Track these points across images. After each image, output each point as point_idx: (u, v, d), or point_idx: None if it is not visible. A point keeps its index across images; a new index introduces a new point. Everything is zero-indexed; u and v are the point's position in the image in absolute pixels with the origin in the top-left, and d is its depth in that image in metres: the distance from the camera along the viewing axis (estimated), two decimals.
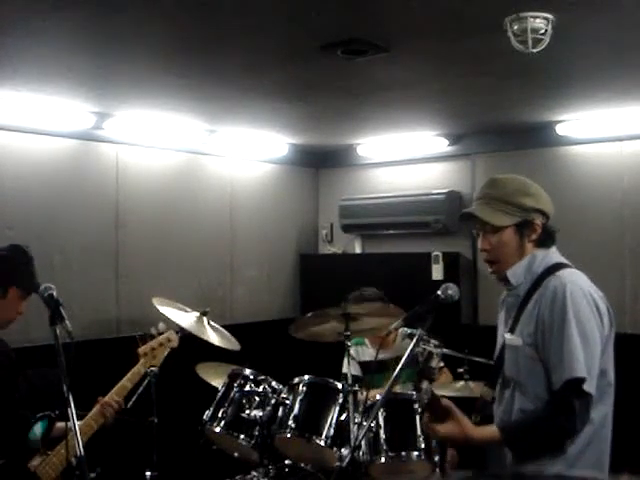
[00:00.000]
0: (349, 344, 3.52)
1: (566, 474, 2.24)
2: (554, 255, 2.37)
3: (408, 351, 2.50)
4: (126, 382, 3.30)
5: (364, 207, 6.02)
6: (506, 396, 2.40)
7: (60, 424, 3.09)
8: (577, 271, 2.32)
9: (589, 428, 2.22)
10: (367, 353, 4.29)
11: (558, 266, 2.31)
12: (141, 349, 3.41)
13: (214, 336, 4.06)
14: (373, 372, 3.58)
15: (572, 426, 2.16)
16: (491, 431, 2.26)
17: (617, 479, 2.28)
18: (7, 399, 3.04)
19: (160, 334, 3.46)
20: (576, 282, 2.25)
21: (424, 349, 2.34)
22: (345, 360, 3.57)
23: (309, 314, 3.59)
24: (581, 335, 2.18)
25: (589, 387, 2.15)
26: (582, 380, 2.14)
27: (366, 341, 4.33)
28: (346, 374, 3.48)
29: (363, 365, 4.22)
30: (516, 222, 2.31)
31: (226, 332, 4.17)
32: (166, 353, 3.48)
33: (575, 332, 2.17)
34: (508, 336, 2.37)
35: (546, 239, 2.35)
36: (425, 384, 2.31)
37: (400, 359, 2.43)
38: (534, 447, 2.23)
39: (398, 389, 3.64)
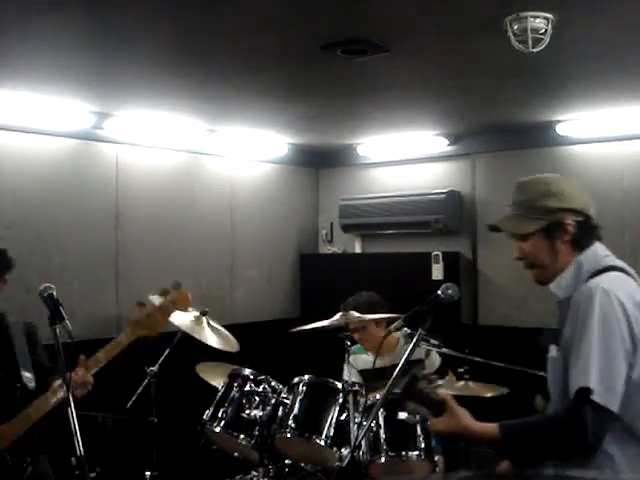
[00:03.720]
0: (349, 343, 3.52)
1: (567, 475, 2.22)
2: (600, 258, 2.19)
3: (408, 351, 2.50)
4: (102, 354, 2.95)
5: (364, 207, 6.02)
6: (547, 409, 2.28)
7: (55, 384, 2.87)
8: (621, 275, 2.14)
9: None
10: (366, 361, 4.22)
11: (602, 271, 2.14)
12: (134, 317, 3.06)
13: (212, 337, 4.05)
14: (372, 380, 3.56)
15: (583, 438, 1.99)
16: (491, 427, 2.11)
17: (618, 478, 2.26)
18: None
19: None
20: (610, 287, 2.06)
21: (411, 373, 2.27)
22: (345, 367, 3.57)
23: (308, 327, 3.61)
24: (601, 344, 2.01)
25: (601, 399, 1.97)
26: (590, 390, 1.98)
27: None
28: (345, 380, 3.48)
29: (363, 373, 4.17)
30: (542, 226, 2.16)
31: (226, 332, 4.17)
32: (164, 323, 3.08)
33: (595, 340, 2.02)
34: (551, 348, 2.27)
35: (583, 238, 2.16)
36: (410, 405, 2.24)
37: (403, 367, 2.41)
38: (534, 452, 2.09)
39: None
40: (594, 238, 2.20)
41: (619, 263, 2.19)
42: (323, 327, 3.60)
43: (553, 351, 2.24)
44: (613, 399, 1.99)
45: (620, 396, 2.00)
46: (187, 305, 3.17)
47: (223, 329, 4.19)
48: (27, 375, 2.96)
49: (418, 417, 2.22)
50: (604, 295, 2.04)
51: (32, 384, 2.96)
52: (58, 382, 2.80)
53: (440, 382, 2.31)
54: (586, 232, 2.17)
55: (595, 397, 1.97)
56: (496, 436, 2.09)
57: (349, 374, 3.53)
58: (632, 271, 2.19)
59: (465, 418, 2.15)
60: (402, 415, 2.23)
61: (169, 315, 3.10)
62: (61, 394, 2.78)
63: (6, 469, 2.80)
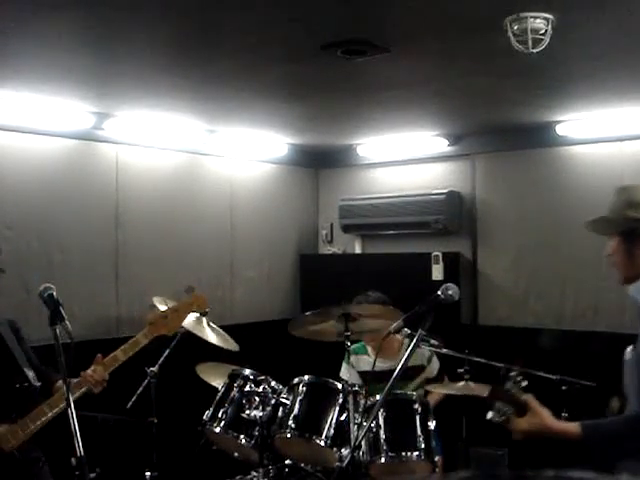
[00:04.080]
0: (349, 344, 3.52)
1: (567, 474, 2.22)
2: None
3: (408, 351, 2.50)
4: (121, 352, 2.97)
5: (364, 207, 6.02)
6: (626, 410, 2.34)
7: (59, 384, 2.90)
8: None
9: None
10: (367, 362, 4.21)
11: None
12: (150, 317, 3.05)
13: (213, 335, 4.07)
14: (373, 382, 3.55)
15: None
16: (573, 426, 2.20)
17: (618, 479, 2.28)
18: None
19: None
20: None
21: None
22: (344, 365, 3.57)
23: (308, 313, 3.60)
24: None
25: None
26: None
27: (368, 349, 4.28)
28: (345, 381, 3.47)
29: (362, 374, 4.16)
30: (619, 231, 2.32)
31: (225, 333, 4.17)
32: (181, 322, 3.13)
33: None
34: (627, 350, 2.34)
35: None
36: (497, 404, 2.30)
37: (405, 371, 2.41)
38: (615, 451, 2.17)
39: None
40: None
41: None
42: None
43: (628, 354, 2.30)
44: None
45: None
46: (204, 307, 3.27)
47: (222, 331, 4.20)
48: (30, 374, 2.97)
49: (503, 417, 2.26)
50: None
51: (37, 382, 2.97)
52: (74, 380, 2.82)
53: (524, 383, 2.36)
54: None
55: None
56: (578, 435, 2.16)
57: (349, 374, 3.53)
58: None
59: (547, 418, 2.23)
60: (489, 414, 2.27)
61: (186, 315, 3.19)
62: (82, 389, 2.86)
63: (16, 467, 2.80)
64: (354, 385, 3.42)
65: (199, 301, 3.23)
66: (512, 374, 2.34)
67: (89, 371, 2.91)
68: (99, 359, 2.95)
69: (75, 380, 2.86)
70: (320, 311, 3.53)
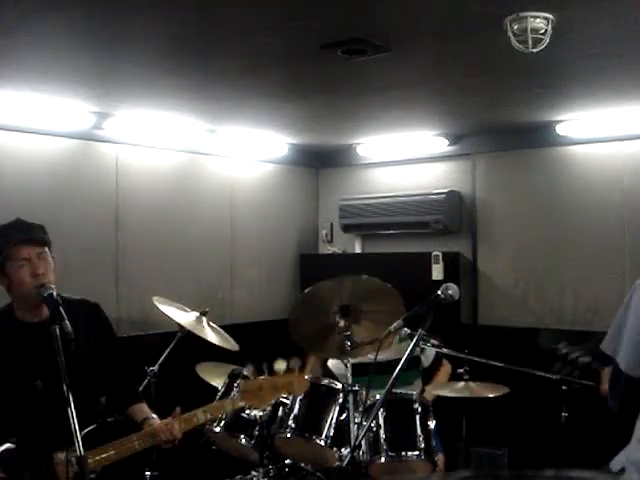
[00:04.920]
0: (349, 343, 3.52)
1: (567, 474, 2.25)
2: None
3: (408, 351, 2.50)
4: (200, 414, 2.78)
5: (364, 207, 6.02)
6: None
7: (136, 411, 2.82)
8: None
9: None
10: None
11: None
12: (245, 384, 2.90)
13: (213, 336, 4.07)
14: (360, 374, 3.56)
15: None
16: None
17: (617, 478, 2.31)
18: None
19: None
20: None
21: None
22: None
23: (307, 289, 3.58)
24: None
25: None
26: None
27: None
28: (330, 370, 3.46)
29: (356, 367, 4.16)
30: None
31: (225, 334, 4.18)
32: (275, 399, 2.93)
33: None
34: None
35: None
36: None
37: (396, 361, 2.44)
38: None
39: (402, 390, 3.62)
40: None
41: None
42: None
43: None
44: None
45: None
46: (302, 390, 3.03)
47: (222, 330, 4.20)
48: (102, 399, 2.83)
49: None
50: None
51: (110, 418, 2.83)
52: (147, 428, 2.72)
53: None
54: None
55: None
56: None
57: (337, 365, 3.51)
58: None
59: None
60: None
61: (281, 394, 2.99)
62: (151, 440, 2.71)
63: None
64: (354, 385, 3.42)
65: (300, 382, 2.96)
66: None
67: (164, 423, 2.73)
68: (176, 414, 2.77)
69: (146, 428, 2.74)
70: (315, 287, 3.53)
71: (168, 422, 2.74)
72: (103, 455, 2.71)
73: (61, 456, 2.56)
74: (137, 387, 3.13)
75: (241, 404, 2.87)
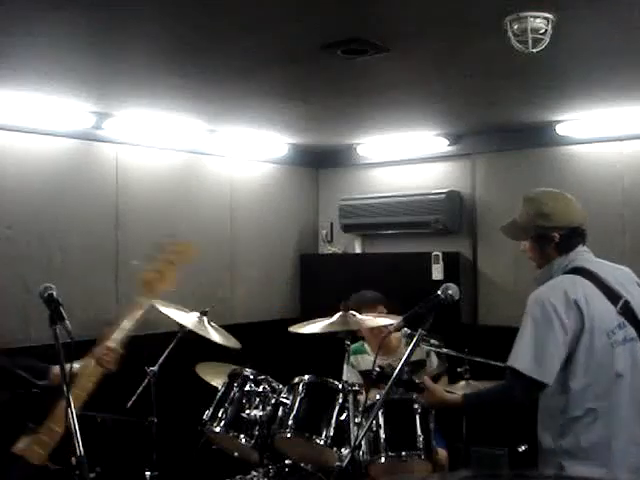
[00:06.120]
0: (348, 343, 3.52)
1: (567, 474, 2.29)
2: (573, 259, 2.75)
3: (408, 351, 2.50)
4: (129, 324, 2.86)
5: (364, 207, 6.02)
6: None
7: (56, 370, 2.73)
8: (568, 278, 2.69)
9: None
10: (368, 361, 4.23)
11: (569, 272, 2.72)
12: (142, 277, 2.90)
13: (215, 334, 4.07)
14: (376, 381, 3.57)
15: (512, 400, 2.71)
16: (459, 396, 2.82)
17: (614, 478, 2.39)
18: None
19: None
20: (542, 294, 2.70)
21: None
22: (345, 367, 3.57)
23: (309, 322, 3.61)
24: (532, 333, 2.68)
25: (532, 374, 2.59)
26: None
27: (367, 348, 4.30)
28: (345, 381, 3.48)
29: (364, 374, 4.19)
30: (532, 236, 2.81)
31: (226, 332, 4.17)
32: (177, 269, 2.91)
33: (529, 328, 2.73)
34: None
35: (567, 244, 2.76)
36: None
37: (414, 363, 2.49)
38: (481, 413, 3.09)
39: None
40: (577, 243, 2.77)
41: (587, 265, 2.73)
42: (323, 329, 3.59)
43: None
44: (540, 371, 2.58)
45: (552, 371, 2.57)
46: (191, 254, 3.03)
47: (223, 330, 4.20)
48: (25, 374, 2.89)
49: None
50: (537, 299, 2.70)
51: (39, 381, 2.86)
52: (76, 366, 2.73)
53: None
54: (568, 240, 2.76)
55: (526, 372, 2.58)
56: (461, 403, 2.77)
57: (349, 375, 3.53)
58: (599, 269, 2.73)
59: (440, 393, 2.85)
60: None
61: (180, 265, 2.98)
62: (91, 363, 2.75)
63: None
64: (354, 385, 3.42)
65: (190, 248, 2.96)
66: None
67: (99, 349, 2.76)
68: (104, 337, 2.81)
69: (77, 365, 2.75)
70: (323, 319, 3.56)
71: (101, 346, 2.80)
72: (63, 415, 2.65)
73: (22, 445, 2.62)
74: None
75: (151, 297, 2.90)
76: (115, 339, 2.85)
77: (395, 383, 2.61)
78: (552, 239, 2.76)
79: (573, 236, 2.78)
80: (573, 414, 2.61)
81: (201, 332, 4.01)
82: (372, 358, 4.11)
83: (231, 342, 4.11)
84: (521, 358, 2.64)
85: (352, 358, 3.93)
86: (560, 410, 2.64)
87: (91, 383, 2.77)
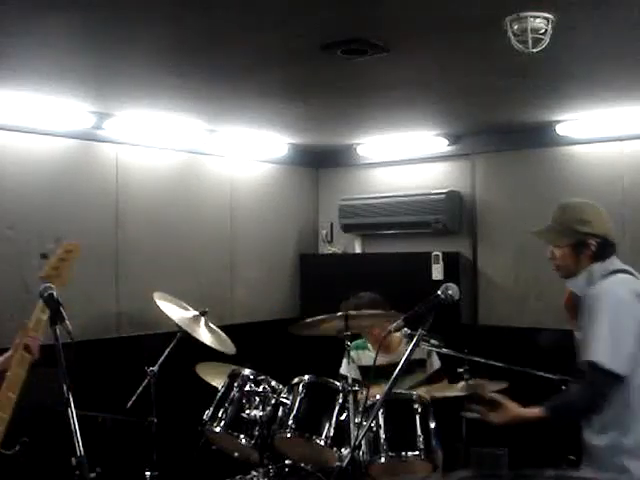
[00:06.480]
0: (349, 344, 3.52)
1: (567, 474, 2.28)
2: (610, 265, 2.80)
3: (408, 351, 2.50)
4: (40, 314, 2.92)
5: (364, 207, 6.02)
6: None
7: None
8: (625, 276, 2.77)
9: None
10: (368, 357, 4.25)
11: (609, 274, 2.77)
12: (43, 273, 3.06)
13: (208, 337, 4.06)
14: (373, 377, 3.57)
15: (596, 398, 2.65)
16: (537, 410, 2.75)
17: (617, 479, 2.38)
18: None
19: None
20: (610, 287, 2.70)
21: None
22: (344, 361, 3.58)
23: (308, 320, 3.60)
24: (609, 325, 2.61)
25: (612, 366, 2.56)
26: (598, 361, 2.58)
27: (369, 345, 4.31)
28: (344, 375, 3.48)
29: (363, 369, 4.20)
30: (571, 243, 2.82)
31: (223, 335, 4.17)
32: (72, 267, 3.15)
33: (604, 322, 2.62)
34: (576, 333, 2.84)
35: (602, 253, 2.80)
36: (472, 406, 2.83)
37: (415, 362, 2.48)
38: (568, 419, 2.82)
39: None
40: (611, 253, 2.83)
41: (625, 267, 2.82)
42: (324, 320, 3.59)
43: (578, 335, 2.82)
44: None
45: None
46: (78, 250, 3.20)
47: (220, 331, 4.20)
48: None
49: (475, 414, 2.92)
50: (607, 293, 2.69)
51: None
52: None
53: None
54: (604, 248, 2.81)
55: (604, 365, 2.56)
56: (543, 415, 2.73)
57: (348, 369, 3.53)
58: (636, 272, 2.82)
59: (515, 409, 2.82)
60: (465, 414, 2.95)
61: (73, 260, 3.18)
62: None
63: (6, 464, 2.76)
64: (354, 385, 3.42)
65: (75, 247, 3.18)
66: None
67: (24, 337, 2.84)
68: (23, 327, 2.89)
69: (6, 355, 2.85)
70: (322, 318, 3.55)
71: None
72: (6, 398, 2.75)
73: None
74: None
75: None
76: (34, 327, 2.89)
77: (466, 398, 2.67)
78: (589, 246, 2.78)
79: (607, 246, 2.81)
80: (638, 410, 2.59)
81: (195, 334, 4.00)
82: (373, 354, 4.16)
83: (226, 346, 4.09)
84: (600, 351, 2.58)
85: (353, 353, 3.94)
86: (624, 406, 2.59)
87: (23, 370, 2.81)
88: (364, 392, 3.33)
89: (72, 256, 3.15)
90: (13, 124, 4.41)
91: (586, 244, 2.78)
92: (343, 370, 3.98)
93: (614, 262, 2.82)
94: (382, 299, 4.21)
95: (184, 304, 4.27)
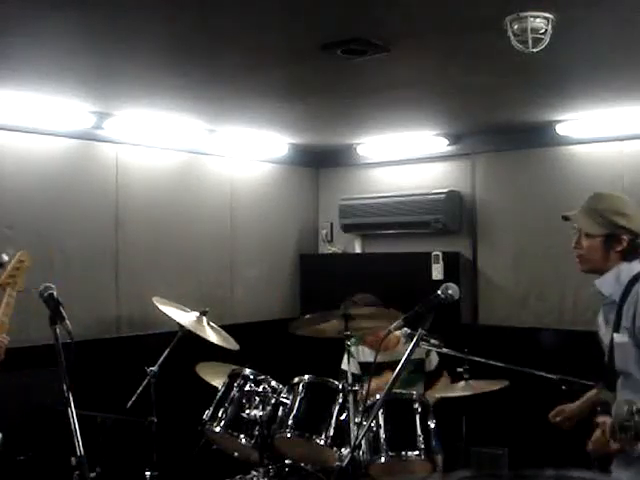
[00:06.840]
0: (349, 343, 3.53)
1: (568, 474, 2.25)
2: (634, 267, 2.65)
3: (408, 351, 2.51)
4: (3, 317, 3.29)
5: (364, 207, 6.02)
6: (619, 393, 2.62)
7: None
8: None
9: None
10: (367, 353, 4.28)
11: (637, 276, 2.63)
12: (0, 280, 3.42)
13: (213, 335, 4.07)
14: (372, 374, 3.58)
15: None
16: None
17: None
18: None
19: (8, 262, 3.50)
20: None
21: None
22: (345, 357, 3.58)
23: (308, 316, 3.60)
24: None
25: None
26: None
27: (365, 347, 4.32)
28: (345, 371, 3.49)
29: (362, 365, 4.21)
30: (604, 233, 2.65)
31: (225, 333, 4.18)
32: (24, 273, 3.52)
33: None
34: (616, 335, 2.62)
35: (631, 253, 2.65)
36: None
37: (414, 361, 2.46)
38: None
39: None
40: (636, 256, 2.66)
41: None
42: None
43: (617, 336, 2.62)
44: None
45: None
46: (29, 259, 3.55)
47: (222, 330, 4.20)
48: None
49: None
50: None
51: None
52: None
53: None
54: (635, 249, 2.66)
55: None
56: None
57: (348, 363, 3.53)
58: None
59: None
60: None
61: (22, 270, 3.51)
62: None
63: None
64: (354, 384, 3.42)
65: (24, 258, 3.52)
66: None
67: None
68: None
69: None
70: (320, 315, 3.54)
71: None
72: None
73: None
74: None
75: (13, 296, 3.41)
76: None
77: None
78: (621, 242, 2.63)
79: (637, 246, 2.66)
80: None
81: (199, 333, 4.01)
82: (367, 349, 4.18)
83: (229, 343, 4.11)
84: None
85: (353, 348, 3.94)
86: None
87: None
88: (365, 387, 3.33)
89: (25, 265, 3.50)
90: (13, 124, 4.41)
91: (619, 239, 2.63)
92: (344, 366, 3.98)
93: (638, 266, 2.67)
94: (378, 300, 4.21)
95: (182, 307, 4.27)
